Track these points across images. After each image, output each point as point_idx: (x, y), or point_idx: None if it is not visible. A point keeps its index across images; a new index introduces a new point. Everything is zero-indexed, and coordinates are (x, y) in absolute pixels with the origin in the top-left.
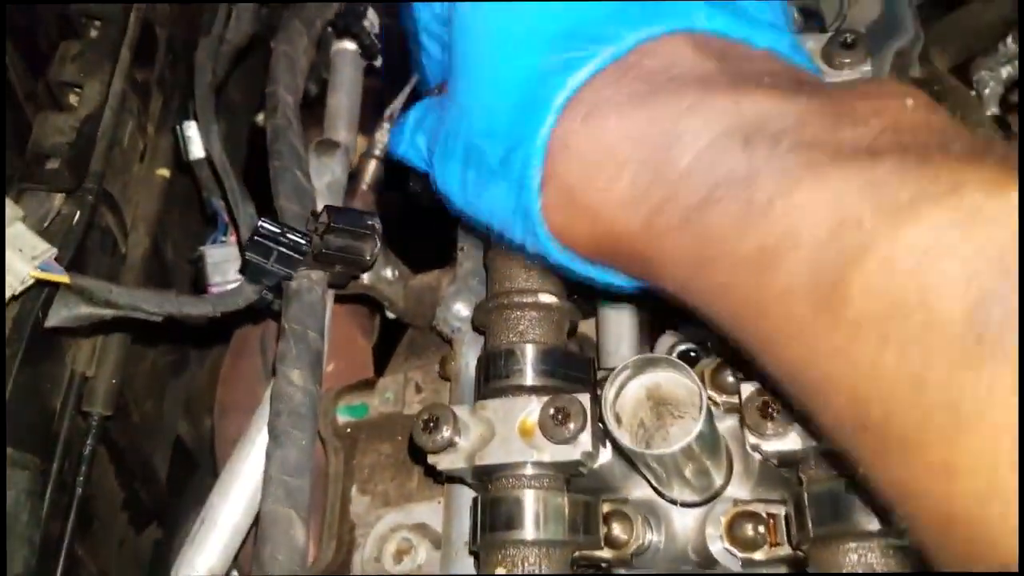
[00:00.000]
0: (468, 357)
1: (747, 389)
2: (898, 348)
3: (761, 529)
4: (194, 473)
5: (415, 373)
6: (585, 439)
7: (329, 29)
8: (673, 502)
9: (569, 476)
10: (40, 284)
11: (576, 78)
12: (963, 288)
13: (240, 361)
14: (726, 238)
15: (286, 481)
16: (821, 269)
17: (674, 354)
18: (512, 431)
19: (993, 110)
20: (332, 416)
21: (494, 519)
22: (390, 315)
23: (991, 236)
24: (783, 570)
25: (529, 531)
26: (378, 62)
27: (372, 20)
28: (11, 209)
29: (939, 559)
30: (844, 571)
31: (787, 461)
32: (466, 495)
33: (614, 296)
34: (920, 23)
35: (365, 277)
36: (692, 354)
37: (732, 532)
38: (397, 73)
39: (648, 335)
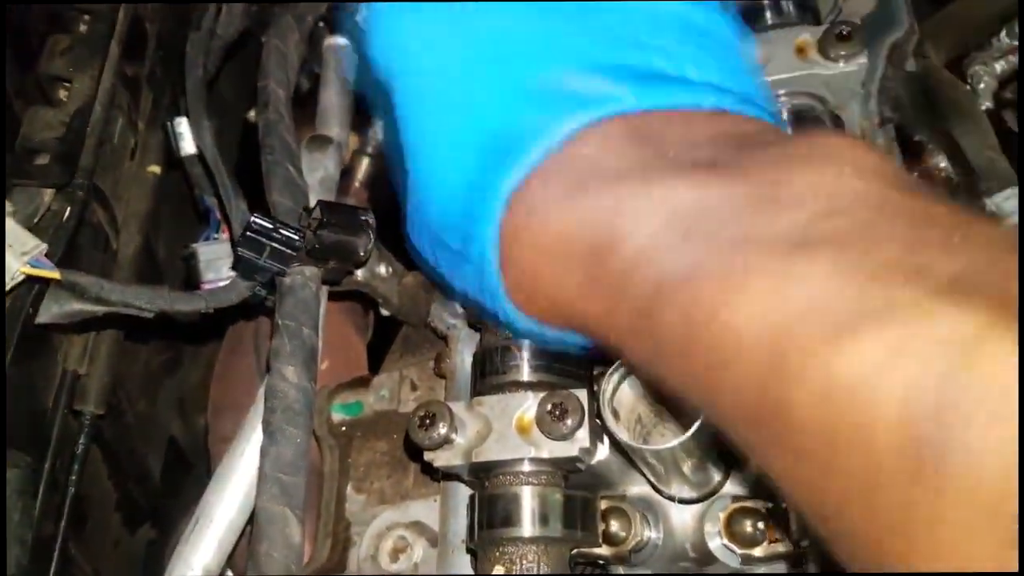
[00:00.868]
0: (464, 354)
1: None
2: (843, 476)
3: (760, 525)
4: (188, 473)
5: (410, 370)
6: (583, 435)
7: (321, 24)
8: (671, 498)
9: (567, 472)
10: (30, 280)
11: (512, 179)
12: (900, 419)
13: (234, 359)
14: (674, 350)
15: (281, 479)
16: (764, 391)
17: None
18: (509, 427)
19: (987, 104)
20: (327, 414)
21: (491, 516)
22: (384, 312)
23: (927, 364)
24: (783, 566)
25: (527, 528)
26: None
27: (365, 15)
28: None
29: None
30: (842, 567)
31: None
32: (463, 492)
33: None
34: (914, 17)
35: (359, 273)
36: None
37: (731, 528)
38: None
39: None
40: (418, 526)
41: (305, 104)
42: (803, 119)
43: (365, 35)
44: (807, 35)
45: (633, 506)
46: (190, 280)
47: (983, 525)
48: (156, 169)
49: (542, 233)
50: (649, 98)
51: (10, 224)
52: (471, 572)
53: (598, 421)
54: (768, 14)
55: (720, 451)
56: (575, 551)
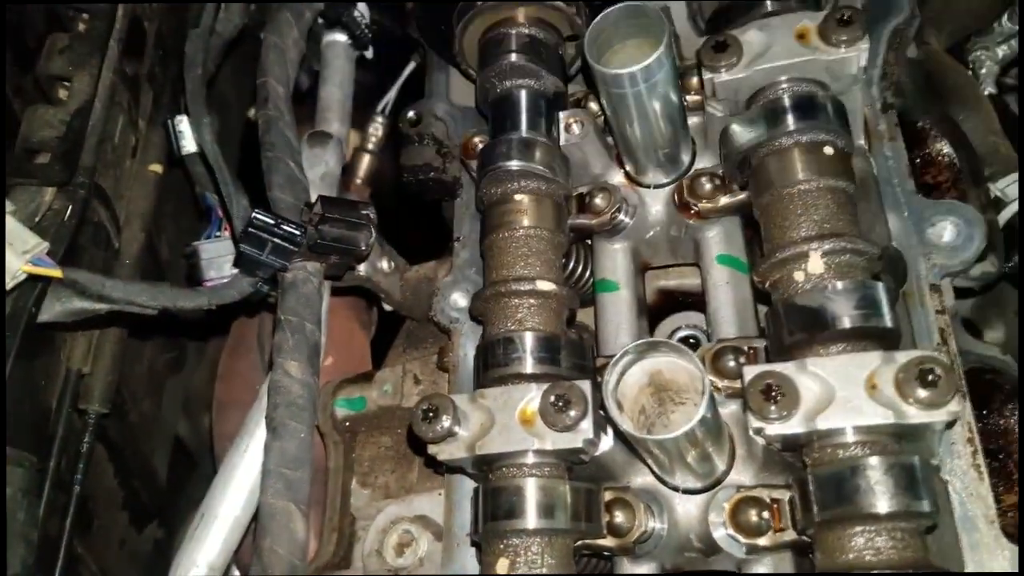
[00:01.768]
0: (466, 347)
1: (750, 372)
2: None
3: (765, 515)
4: (194, 472)
5: (413, 365)
6: (586, 426)
7: (320, 21)
8: (676, 489)
9: (570, 464)
10: (32, 279)
11: None
12: None
13: (237, 357)
14: None
15: (285, 474)
16: None
17: (675, 340)
18: (512, 419)
19: (990, 89)
20: (331, 410)
21: (495, 508)
22: (387, 307)
23: None
24: (788, 555)
25: (531, 520)
26: (369, 53)
27: (362, 11)
28: None
29: None
30: (850, 556)
31: (791, 445)
32: (467, 485)
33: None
34: (916, 2)
35: (361, 268)
36: (692, 340)
37: (735, 518)
38: (388, 65)
39: (648, 322)
40: (423, 520)
41: (305, 101)
42: (805, 106)
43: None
44: (808, 21)
45: (637, 497)
46: (192, 278)
47: None
48: (158, 168)
49: None
50: None
51: (11, 223)
52: (476, 565)
53: (602, 412)
54: (768, 1)
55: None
56: (579, 542)
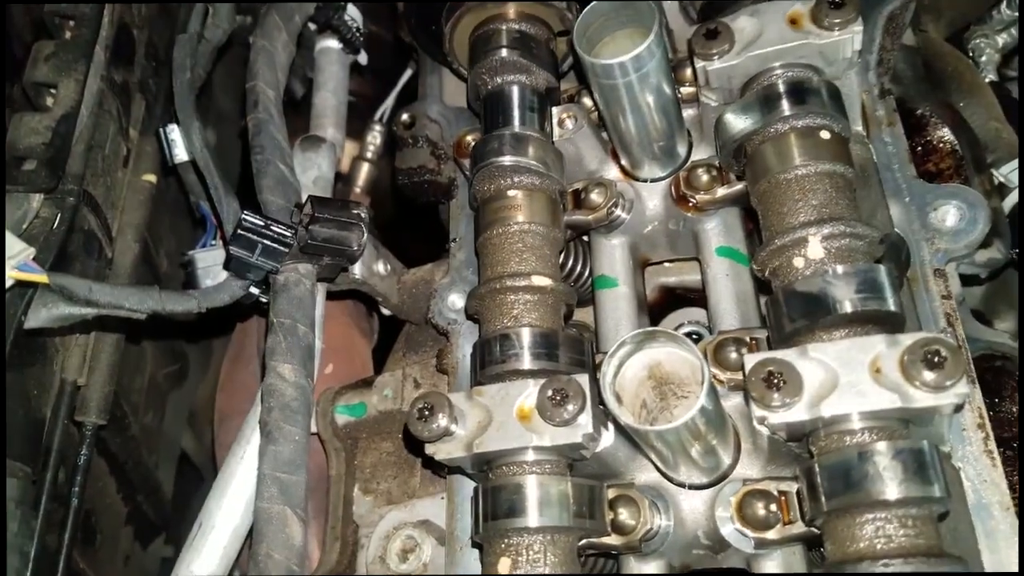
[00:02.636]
0: (465, 349)
1: (750, 360)
2: None
3: (773, 507)
4: (201, 486)
5: (413, 369)
6: (585, 420)
7: (312, 27)
8: (681, 485)
9: (571, 461)
10: (20, 285)
11: None
12: None
13: (239, 367)
14: None
15: (280, 478)
16: None
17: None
18: (510, 416)
19: (991, 77)
20: (331, 416)
21: (496, 507)
22: (385, 311)
23: None
24: (798, 547)
25: (532, 518)
26: (363, 58)
27: (353, 15)
28: None
29: None
30: (860, 545)
31: (796, 434)
32: (469, 488)
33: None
34: None
35: (356, 271)
36: (695, 336)
37: (743, 512)
38: (386, 76)
39: (649, 319)
40: (426, 525)
41: (299, 109)
42: (799, 90)
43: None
44: (799, 5)
45: (642, 494)
46: (189, 287)
47: None
48: (152, 178)
49: None
50: None
51: None
52: (479, 568)
53: (602, 407)
54: None
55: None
56: (584, 541)
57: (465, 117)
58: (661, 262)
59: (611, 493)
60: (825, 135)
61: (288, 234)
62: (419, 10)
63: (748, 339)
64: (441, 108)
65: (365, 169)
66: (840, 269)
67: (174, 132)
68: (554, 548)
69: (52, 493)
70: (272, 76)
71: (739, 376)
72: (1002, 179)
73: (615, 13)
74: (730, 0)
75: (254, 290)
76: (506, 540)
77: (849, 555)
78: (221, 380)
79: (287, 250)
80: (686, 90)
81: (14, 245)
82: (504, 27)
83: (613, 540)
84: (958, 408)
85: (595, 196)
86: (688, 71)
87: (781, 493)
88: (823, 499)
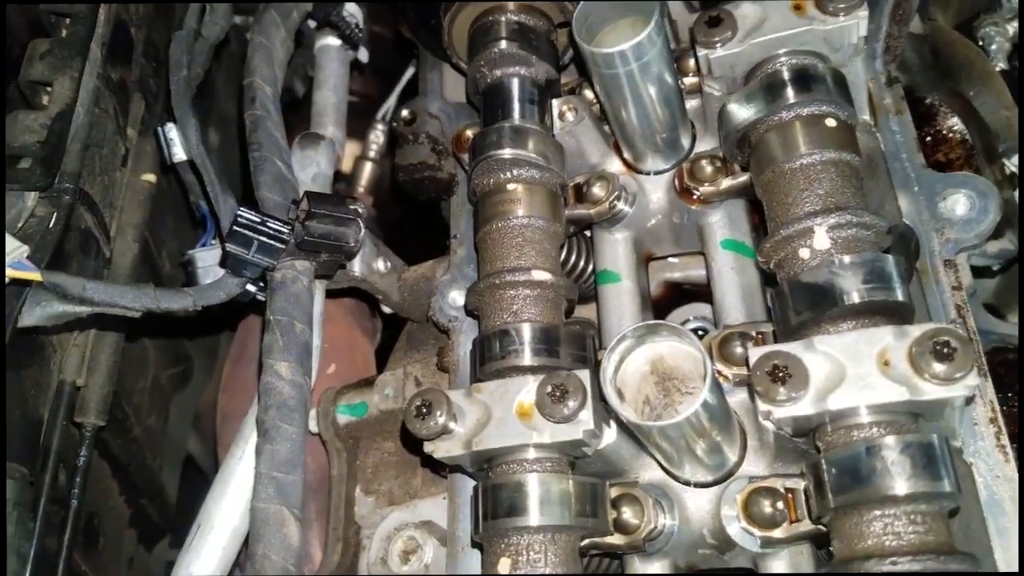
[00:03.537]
0: (466, 346)
1: (755, 354)
2: None
3: (780, 505)
4: (206, 489)
5: (414, 367)
6: (586, 416)
7: (312, 24)
8: (686, 483)
9: (573, 458)
10: (14, 283)
11: None
12: None
13: (241, 367)
14: None
15: (276, 478)
16: None
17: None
18: (509, 413)
19: (1001, 65)
20: (332, 416)
21: (496, 506)
22: (385, 309)
23: None
24: (806, 546)
25: (533, 517)
26: (363, 56)
27: (352, 11)
28: None
29: None
30: (869, 542)
31: (802, 429)
32: (471, 488)
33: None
34: None
35: (356, 268)
36: (701, 332)
37: (749, 510)
38: (388, 75)
39: (653, 314)
40: (428, 526)
41: (300, 108)
42: (804, 78)
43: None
44: None
45: (645, 492)
46: (189, 286)
47: None
48: (151, 177)
49: None
50: None
51: None
52: (480, 569)
53: (604, 403)
54: None
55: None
56: (587, 541)
57: (466, 112)
58: (665, 256)
59: (614, 491)
60: (831, 123)
61: (284, 230)
62: (418, 5)
63: (754, 333)
64: (442, 104)
65: (368, 168)
66: (847, 259)
67: (172, 131)
68: (555, 548)
69: (51, 495)
70: (270, 72)
71: (744, 371)
72: (1013, 168)
73: (616, 2)
74: None
75: (251, 288)
76: (506, 540)
77: (857, 553)
78: (223, 380)
79: (283, 247)
80: (689, 80)
81: (8, 243)
82: (503, 18)
83: (616, 540)
84: (968, 401)
85: (597, 190)
86: (691, 61)
87: (788, 490)
88: (830, 495)
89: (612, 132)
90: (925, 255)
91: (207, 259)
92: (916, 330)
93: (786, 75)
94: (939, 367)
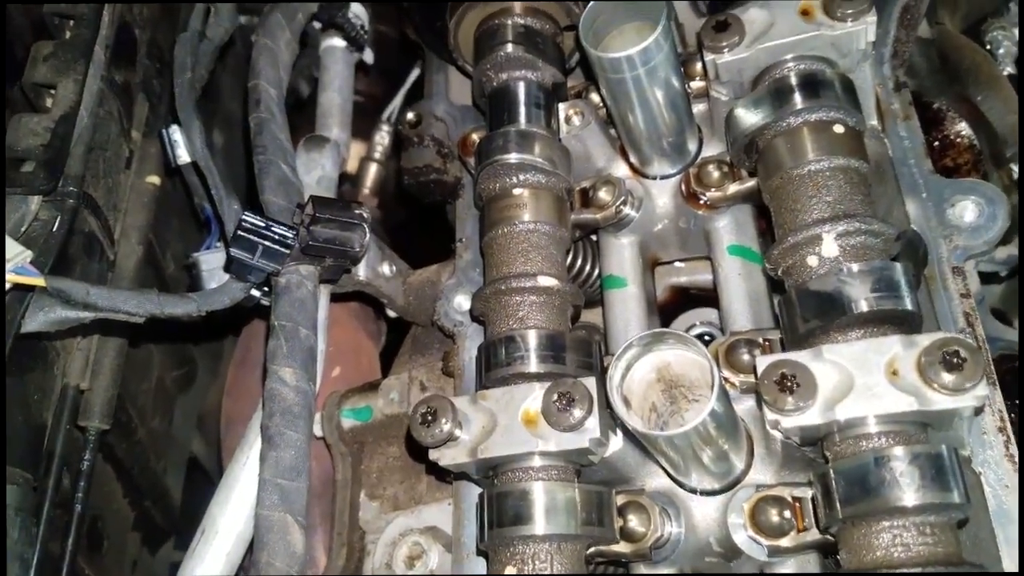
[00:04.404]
0: (471, 351)
1: (763, 363)
2: None
3: (787, 514)
4: (210, 491)
5: (419, 372)
6: (592, 424)
7: (317, 26)
8: (692, 491)
9: (579, 467)
10: (17, 289)
11: None
12: None
13: (245, 371)
14: None
15: (281, 484)
16: None
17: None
18: (515, 420)
19: (1009, 70)
20: (337, 420)
21: (501, 515)
22: (391, 313)
23: None
24: (814, 556)
25: (539, 526)
26: (369, 57)
27: (357, 12)
28: None
29: None
30: (877, 554)
31: (810, 439)
32: (476, 494)
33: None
34: None
35: (361, 272)
36: (708, 337)
37: (756, 519)
38: (393, 76)
39: (659, 320)
40: (433, 531)
41: (305, 109)
42: (812, 83)
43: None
44: None
45: (652, 500)
46: (193, 289)
47: None
48: (155, 180)
49: None
50: None
51: None
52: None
53: (610, 411)
54: None
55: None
56: (592, 549)
57: (472, 115)
58: (671, 261)
59: (620, 499)
60: (839, 129)
61: (289, 235)
62: (424, 7)
63: (761, 340)
64: (447, 106)
65: (373, 170)
66: (855, 267)
67: (176, 133)
68: (561, 556)
69: (55, 499)
70: (274, 75)
71: (752, 378)
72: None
73: (622, 6)
74: None
75: (256, 292)
76: (512, 548)
77: (865, 564)
78: (227, 384)
79: (288, 251)
80: (696, 84)
81: (11, 248)
82: (510, 22)
83: (622, 548)
84: (978, 411)
85: (603, 194)
86: (698, 65)
87: (795, 499)
88: (838, 506)
89: (618, 136)
90: (933, 262)
91: (211, 262)
92: (925, 339)
93: (794, 80)
94: (948, 377)
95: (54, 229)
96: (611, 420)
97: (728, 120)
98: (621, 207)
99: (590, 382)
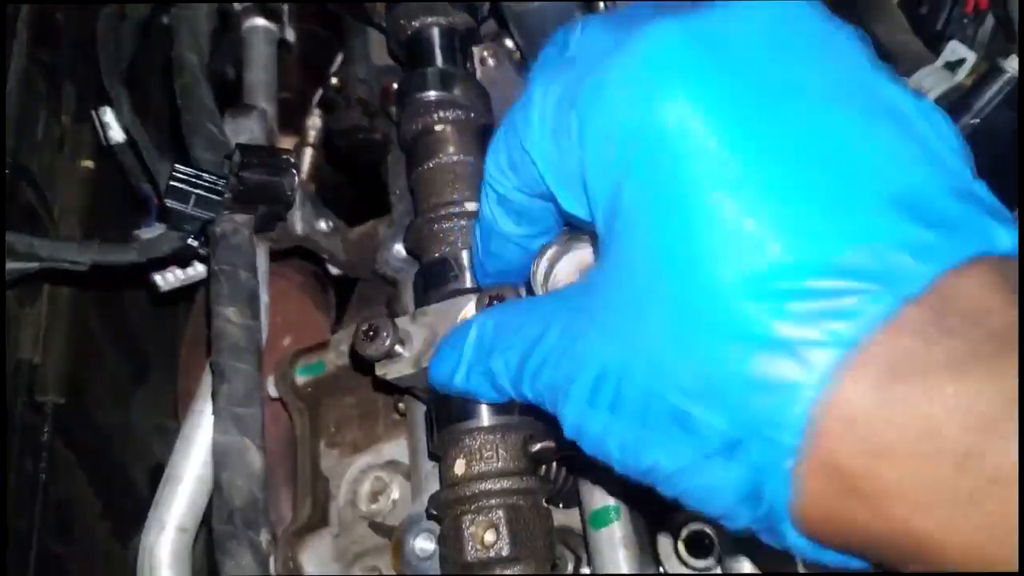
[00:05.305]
0: (412, 293)
1: None
2: None
3: None
4: None
5: None
6: None
7: (238, 7)
8: None
9: None
10: None
11: (859, 327)
12: None
13: (196, 349)
14: None
15: (235, 411)
16: None
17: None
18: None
19: None
20: (291, 379)
21: (448, 413)
22: (333, 270)
23: None
24: None
25: (484, 419)
26: (289, 33)
27: None
28: None
29: None
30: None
31: None
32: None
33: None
34: None
35: (298, 227)
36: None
37: None
38: (320, 71)
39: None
40: (393, 465)
41: (231, 94)
42: None
43: None
44: None
45: None
46: (135, 268)
47: None
48: (89, 163)
49: (903, 411)
50: (1011, 240)
51: None
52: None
53: None
54: None
55: None
56: (537, 446)
57: (396, 72)
58: None
59: None
60: None
61: (220, 182)
62: None
63: None
64: (369, 67)
65: (308, 154)
66: None
67: (107, 115)
68: (505, 446)
69: (19, 472)
70: (194, 42)
71: None
72: (916, 86)
73: None
74: None
75: (193, 242)
76: (459, 444)
77: None
78: (181, 363)
79: (220, 199)
80: None
81: None
82: None
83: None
84: None
85: None
86: (600, 4)
87: None
88: None
89: None
90: None
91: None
92: None
93: None
94: None
95: None
96: None
97: None
98: None
99: (520, 287)
